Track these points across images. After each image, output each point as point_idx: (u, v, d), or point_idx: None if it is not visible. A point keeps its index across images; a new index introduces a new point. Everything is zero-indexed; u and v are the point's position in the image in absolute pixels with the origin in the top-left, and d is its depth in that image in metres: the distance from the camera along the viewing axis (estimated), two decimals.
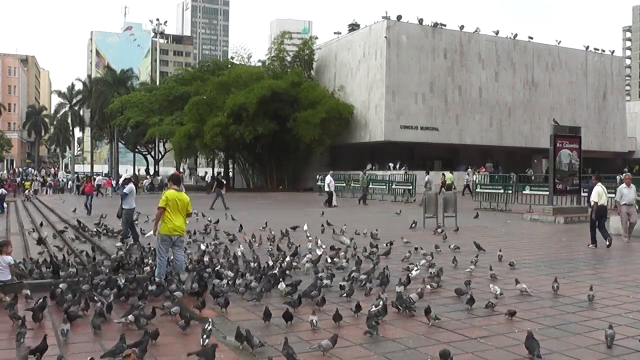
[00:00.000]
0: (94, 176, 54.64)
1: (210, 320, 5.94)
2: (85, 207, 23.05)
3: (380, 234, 14.09)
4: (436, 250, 11.44)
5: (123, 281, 7.92)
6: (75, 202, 29.27)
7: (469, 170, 36.81)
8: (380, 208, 25.76)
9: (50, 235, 15.75)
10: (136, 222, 16.74)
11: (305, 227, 15.05)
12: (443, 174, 31.37)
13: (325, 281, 8.14)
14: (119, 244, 12.46)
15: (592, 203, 13.21)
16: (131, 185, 13.97)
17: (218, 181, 27.50)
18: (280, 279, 8.11)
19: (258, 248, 11.98)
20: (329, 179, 27.03)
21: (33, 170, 78.28)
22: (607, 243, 12.63)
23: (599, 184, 13.44)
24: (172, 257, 8.72)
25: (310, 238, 13.39)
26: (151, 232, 9.12)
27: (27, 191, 39.55)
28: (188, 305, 7.04)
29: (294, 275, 9.04)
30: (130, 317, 6.23)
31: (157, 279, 8.22)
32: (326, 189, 26.90)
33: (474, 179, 33.79)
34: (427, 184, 28.82)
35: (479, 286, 8.27)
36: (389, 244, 11.84)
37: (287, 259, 10.00)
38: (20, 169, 73.73)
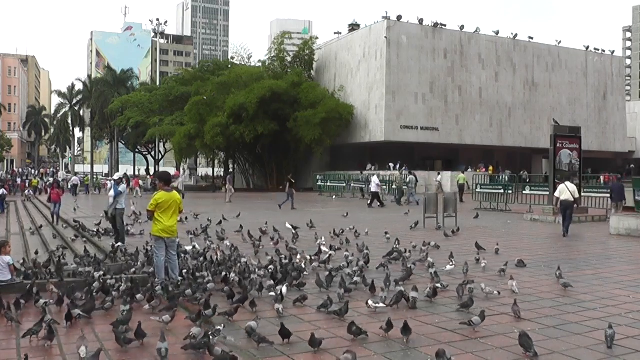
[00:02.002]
0: (71, 175, 54.16)
1: (223, 325, 5.99)
2: (53, 215, 19.82)
3: (376, 235, 14.13)
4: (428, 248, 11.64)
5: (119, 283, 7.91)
6: (77, 203, 29.29)
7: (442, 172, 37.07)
8: (383, 209, 25.72)
9: (50, 235, 15.73)
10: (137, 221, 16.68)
11: (288, 226, 15.14)
12: (413, 173, 31.70)
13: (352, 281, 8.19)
14: (117, 243, 12.37)
15: (555, 199, 15.49)
16: (124, 185, 13.92)
17: (290, 181, 26.77)
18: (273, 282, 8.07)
19: (262, 248, 11.96)
20: (375, 179, 26.22)
21: (33, 170, 78.28)
22: (564, 233, 14.69)
23: (567, 182, 15.42)
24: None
25: (294, 233, 13.74)
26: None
27: (27, 191, 39.53)
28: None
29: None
30: (166, 317, 6.26)
31: (158, 280, 8.19)
32: (372, 189, 26.36)
33: (439, 180, 34.30)
34: (409, 183, 28.87)
35: (477, 285, 8.26)
36: (396, 243, 11.99)
37: (308, 260, 9.99)
38: (22, 169, 73.60)
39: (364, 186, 33.25)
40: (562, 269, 9.17)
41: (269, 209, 24.83)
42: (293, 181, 27.42)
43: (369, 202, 26.17)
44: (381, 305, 6.97)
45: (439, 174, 36.27)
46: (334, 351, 5.49)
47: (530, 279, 9.01)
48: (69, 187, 43.23)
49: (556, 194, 15.52)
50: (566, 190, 14.97)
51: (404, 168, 39.11)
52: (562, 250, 12.54)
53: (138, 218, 18.34)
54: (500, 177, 30.88)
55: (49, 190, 24.18)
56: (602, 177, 33.32)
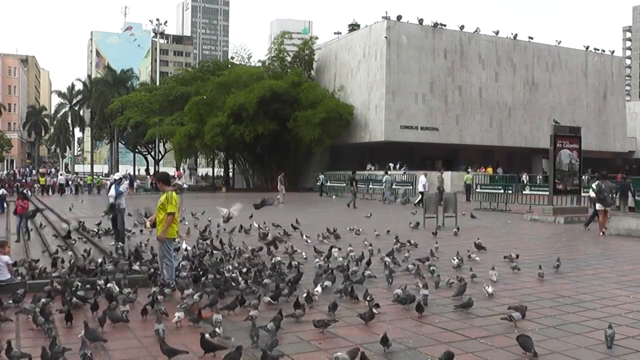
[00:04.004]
0: (58, 173, 53.71)
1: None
2: (18, 231, 14.92)
3: (378, 234, 14.16)
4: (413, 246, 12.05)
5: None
6: (77, 203, 29.29)
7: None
8: (387, 208, 25.67)
9: (50, 235, 15.70)
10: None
11: (256, 225, 15.08)
12: (388, 173, 31.75)
13: (326, 282, 8.06)
14: (117, 244, 12.33)
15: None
16: (125, 185, 13.93)
17: (353, 180, 26.19)
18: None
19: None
20: (423, 179, 25.55)
21: (34, 171, 78.26)
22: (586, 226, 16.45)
23: (597, 181, 16.63)
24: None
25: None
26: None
27: (25, 190, 39.40)
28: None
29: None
30: (181, 314, 6.32)
31: (168, 281, 8.15)
32: (420, 189, 25.94)
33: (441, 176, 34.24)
34: (385, 183, 28.83)
35: (477, 285, 8.27)
36: (397, 242, 12.22)
37: (317, 260, 9.97)
38: (25, 170, 73.45)
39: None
40: (562, 269, 9.20)
41: (267, 209, 24.75)
42: (356, 179, 27.00)
43: (415, 201, 25.72)
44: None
45: (473, 170, 35.99)
46: (334, 351, 5.48)
47: (530, 279, 9.00)
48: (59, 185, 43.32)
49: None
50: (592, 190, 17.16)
51: (404, 168, 39.12)
52: (562, 250, 12.52)
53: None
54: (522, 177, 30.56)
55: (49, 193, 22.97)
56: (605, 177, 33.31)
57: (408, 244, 12.16)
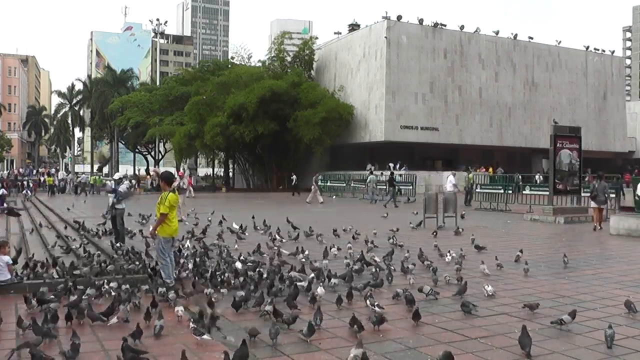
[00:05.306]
0: (56, 170, 53.14)
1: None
2: None
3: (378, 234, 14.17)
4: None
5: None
6: (77, 203, 29.27)
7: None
8: (390, 208, 25.65)
9: (53, 236, 15.68)
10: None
11: (235, 226, 14.86)
12: (373, 173, 31.72)
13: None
14: (117, 244, 12.29)
15: None
16: (124, 185, 13.89)
17: (391, 181, 25.76)
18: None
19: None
20: (452, 179, 24.85)
21: (33, 170, 78.16)
22: None
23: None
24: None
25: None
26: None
27: (24, 191, 39.36)
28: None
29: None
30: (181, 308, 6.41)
31: (167, 281, 8.15)
32: (448, 189, 25.68)
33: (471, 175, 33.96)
34: (369, 182, 28.87)
35: (476, 285, 8.27)
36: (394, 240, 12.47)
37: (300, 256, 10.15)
38: (26, 170, 73.33)
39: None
40: (562, 269, 9.18)
41: (267, 209, 24.81)
42: (395, 179, 26.75)
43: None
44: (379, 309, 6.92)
45: (473, 170, 35.60)
46: (334, 351, 5.49)
47: (530, 279, 9.01)
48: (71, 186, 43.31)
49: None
50: None
51: (404, 168, 39.13)
52: (562, 250, 12.49)
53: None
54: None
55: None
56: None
57: (391, 244, 12.24)
